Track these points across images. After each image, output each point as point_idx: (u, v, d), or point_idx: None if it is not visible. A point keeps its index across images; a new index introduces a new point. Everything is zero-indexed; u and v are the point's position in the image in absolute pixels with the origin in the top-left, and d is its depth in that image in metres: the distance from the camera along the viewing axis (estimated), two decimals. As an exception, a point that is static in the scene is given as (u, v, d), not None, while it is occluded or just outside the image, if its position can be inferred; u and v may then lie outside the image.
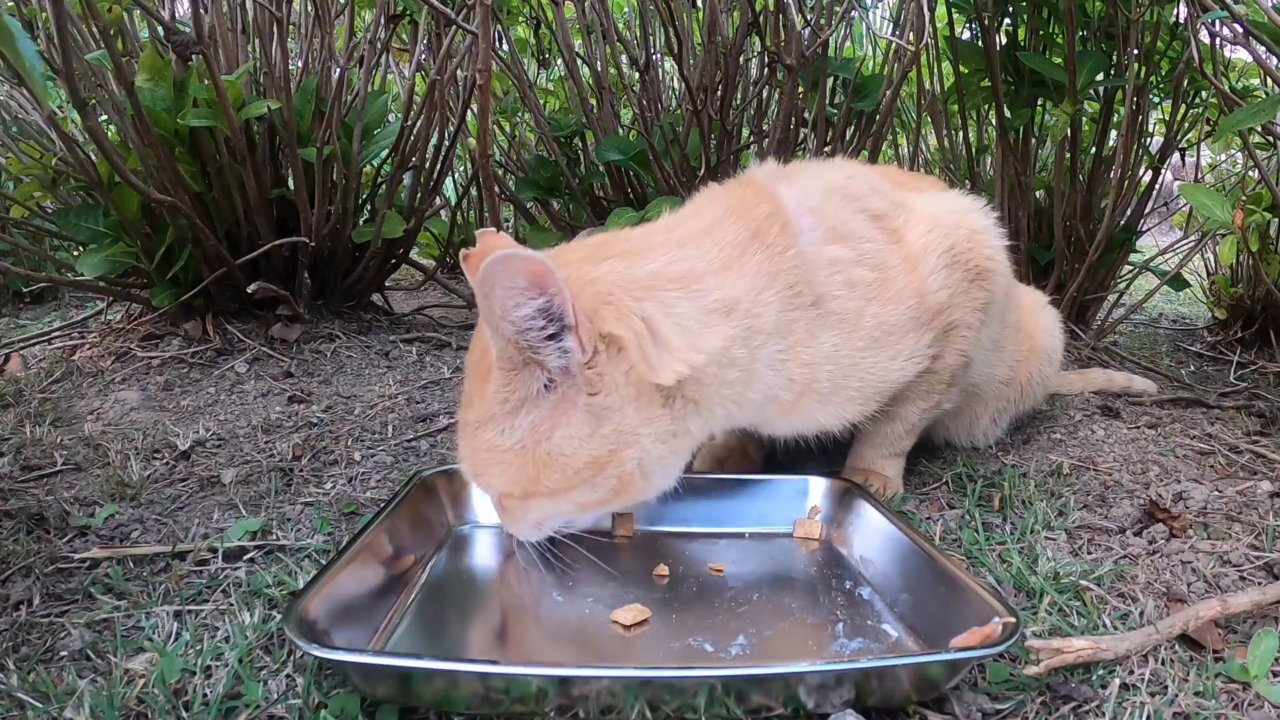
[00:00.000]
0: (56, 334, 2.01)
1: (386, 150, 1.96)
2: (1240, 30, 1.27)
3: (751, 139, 2.35)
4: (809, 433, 1.07)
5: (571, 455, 0.84)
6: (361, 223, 2.00)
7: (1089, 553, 1.02)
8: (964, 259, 1.06)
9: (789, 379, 0.97)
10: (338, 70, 1.84)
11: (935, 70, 2.22)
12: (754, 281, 0.93)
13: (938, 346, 1.07)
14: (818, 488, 1.10)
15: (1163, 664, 0.80)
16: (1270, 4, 1.23)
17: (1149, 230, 2.31)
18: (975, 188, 2.09)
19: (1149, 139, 2.11)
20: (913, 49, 2.05)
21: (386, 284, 2.25)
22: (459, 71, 2.06)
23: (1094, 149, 2.08)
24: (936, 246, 1.04)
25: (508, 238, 0.98)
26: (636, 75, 2.39)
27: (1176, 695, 0.75)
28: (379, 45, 1.95)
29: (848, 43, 2.56)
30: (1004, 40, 2.02)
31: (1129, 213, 2.13)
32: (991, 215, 1.12)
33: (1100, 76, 1.84)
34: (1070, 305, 2.02)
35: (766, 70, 2.21)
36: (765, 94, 2.33)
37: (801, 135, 2.24)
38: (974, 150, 2.23)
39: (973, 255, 1.07)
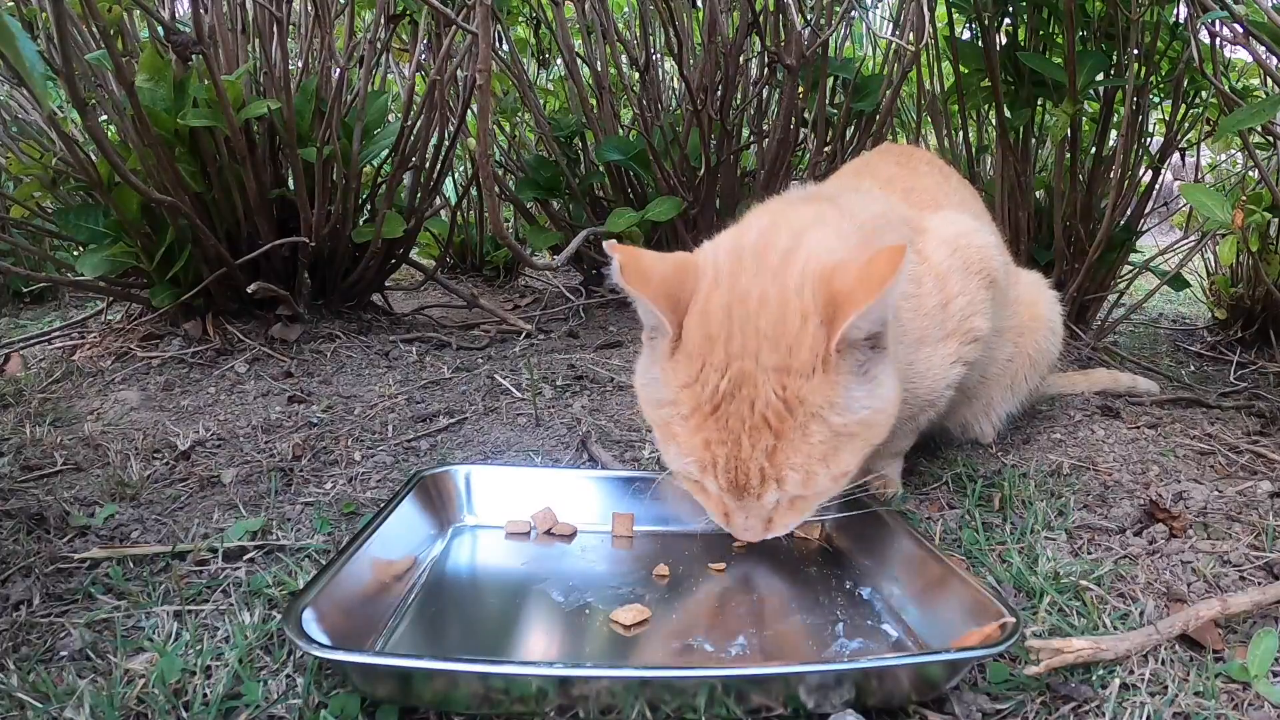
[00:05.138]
0: (56, 334, 2.01)
1: (386, 150, 1.96)
2: (1240, 30, 1.27)
3: (751, 139, 2.35)
4: None
5: (893, 399, 0.89)
6: (361, 223, 2.00)
7: (1089, 553, 1.02)
8: (975, 268, 1.14)
9: None
10: (338, 70, 1.84)
11: (935, 70, 2.22)
12: None
13: (959, 355, 1.12)
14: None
15: (1163, 664, 0.80)
16: (1270, 4, 1.23)
17: (1149, 230, 2.31)
18: (975, 188, 2.09)
19: (1149, 139, 2.11)
20: (913, 49, 2.05)
21: (386, 284, 2.25)
22: (459, 71, 2.06)
23: (1094, 149, 2.08)
24: (957, 264, 1.12)
25: (644, 251, 0.92)
26: (636, 75, 2.39)
27: (1176, 695, 0.75)
28: (379, 45, 1.95)
29: (848, 43, 2.56)
30: (1004, 40, 2.02)
31: (1129, 213, 2.12)
32: (991, 235, 1.22)
33: (1100, 76, 1.84)
34: (1070, 305, 2.02)
35: (766, 70, 2.22)
36: (765, 94, 2.33)
37: (801, 135, 2.24)
38: (974, 150, 2.23)
39: (983, 266, 1.15)
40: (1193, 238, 2.19)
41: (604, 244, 0.88)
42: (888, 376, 0.89)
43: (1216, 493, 1.16)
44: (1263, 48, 1.31)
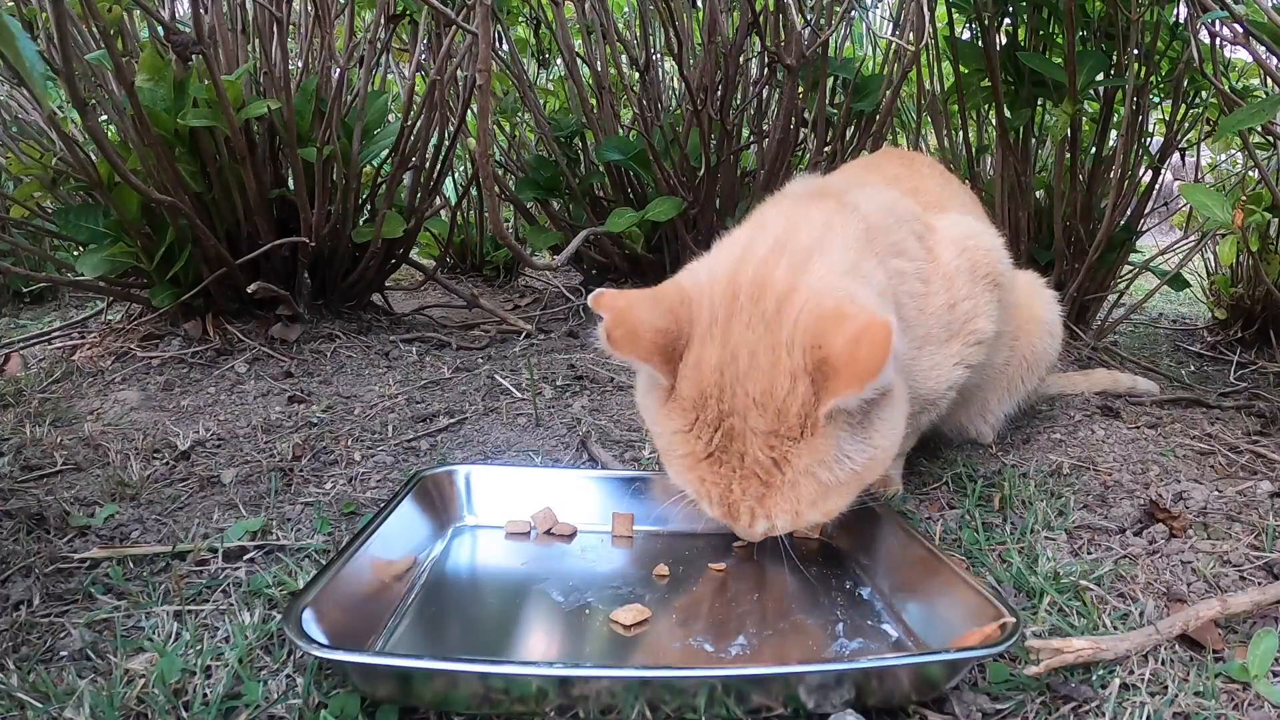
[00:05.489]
0: (56, 334, 2.01)
1: (386, 150, 1.96)
2: (1240, 30, 1.27)
3: (751, 139, 2.35)
4: None
5: (892, 440, 0.89)
6: (361, 223, 2.00)
7: (1089, 553, 1.02)
8: (982, 270, 1.14)
9: None
10: (338, 70, 1.84)
11: (935, 70, 2.22)
12: (881, 297, 0.95)
13: (962, 357, 1.12)
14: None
15: (1163, 664, 0.80)
16: (1270, 4, 1.23)
17: (1149, 230, 2.31)
18: (975, 188, 2.09)
19: (1149, 139, 2.11)
20: (913, 49, 2.05)
21: (386, 284, 2.25)
22: (459, 71, 2.06)
23: (1094, 149, 2.08)
24: (964, 265, 1.12)
25: (632, 300, 0.89)
26: (636, 75, 2.39)
27: (1176, 695, 0.75)
28: (379, 45, 1.95)
29: (848, 43, 2.56)
30: (1004, 40, 2.02)
31: (1129, 213, 2.12)
32: (999, 237, 1.22)
33: (1100, 76, 1.84)
34: (1070, 305, 2.02)
35: (766, 70, 2.22)
36: (765, 94, 2.33)
37: (801, 135, 2.24)
38: (974, 150, 2.23)
39: (990, 269, 1.15)
40: (1193, 238, 2.19)
41: (589, 299, 0.87)
42: (888, 418, 0.87)
43: (1216, 493, 1.16)
44: (1263, 48, 1.31)
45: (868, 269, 0.95)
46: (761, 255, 0.91)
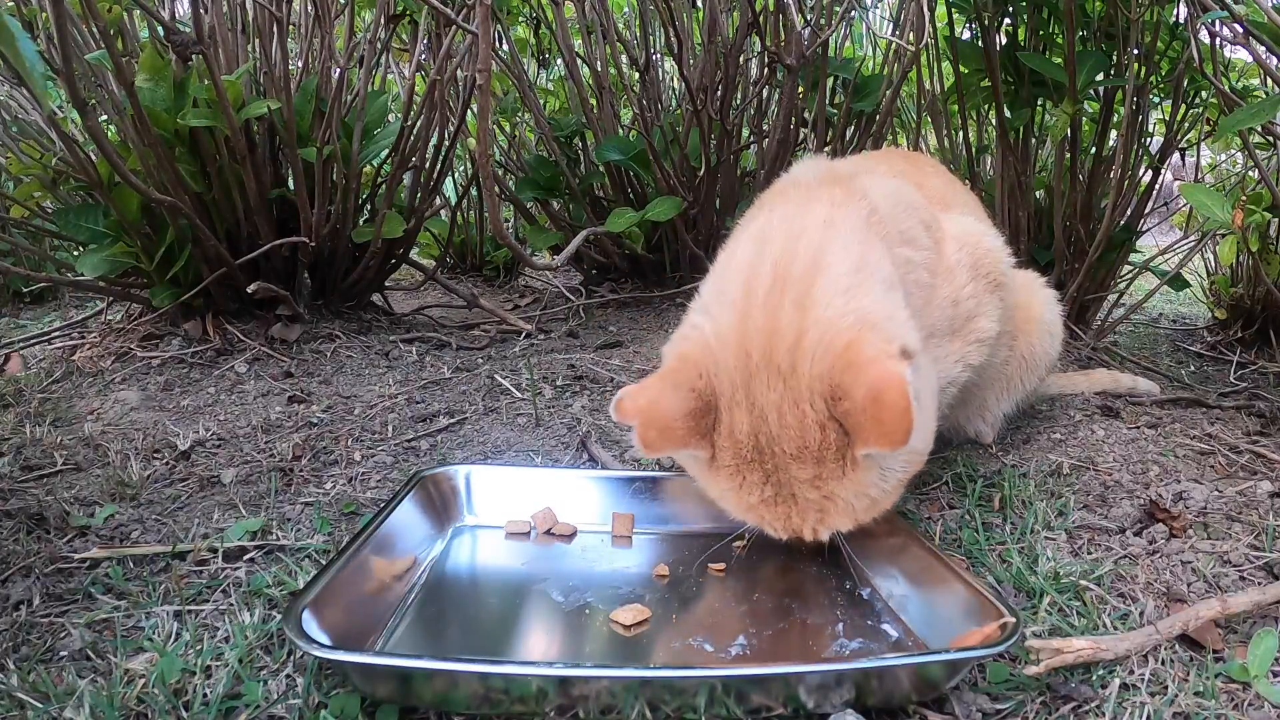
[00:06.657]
0: (56, 334, 2.01)
1: (386, 150, 1.96)
2: (1240, 30, 1.27)
3: (751, 139, 2.35)
4: None
5: (929, 429, 0.92)
6: (361, 223, 2.00)
7: (1089, 553, 1.02)
8: (984, 269, 1.14)
9: None
10: (338, 70, 1.84)
11: (935, 70, 2.22)
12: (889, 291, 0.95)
13: (963, 355, 1.12)
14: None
15: (1163, 664, 0.80)
16: (1270, 4, 1.23)
17: (1149, 230, 2.31)
18: (975, 188, 2.09)
19: (1149, 139, 2.11)
20: (913, 49, 2.05)
21: (386, 284, 2.25)
22: (459, 71, 2.06)
23: (1094, 149, 2.08)
24: (966, 261, 1.12)
25: (653, 396, 0.88)
26: (636, 75, 2.39)
27: (1176, 695, 0.75)
28: (379, 45, 1.95)
29: (848, 43, 2.56)
30: (1004, 40, 2.02)
31: (1129, 213, 2.12)
32: (999, 239, 1.22)
33: (1100, 76, 1.84)
34: (1070, 305, 2.02)
35: (766, 70, 2.22)
36: (765, 94, 2.33)
37: (801, 135, 2.24)
38: (974, 150, 2.22)
39: (991, 269, 1.15)
40: (1193, 238, 2.19)
41: (611, 407, 0.87)
42: (922, 411, 0.87)
43: (1216, 493, 1.16)
44: (1263, 48, 1.31)
45: (873, 260, 0.93)
46: (764, 295, 0.89)
